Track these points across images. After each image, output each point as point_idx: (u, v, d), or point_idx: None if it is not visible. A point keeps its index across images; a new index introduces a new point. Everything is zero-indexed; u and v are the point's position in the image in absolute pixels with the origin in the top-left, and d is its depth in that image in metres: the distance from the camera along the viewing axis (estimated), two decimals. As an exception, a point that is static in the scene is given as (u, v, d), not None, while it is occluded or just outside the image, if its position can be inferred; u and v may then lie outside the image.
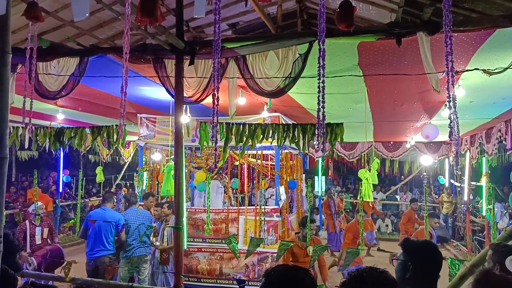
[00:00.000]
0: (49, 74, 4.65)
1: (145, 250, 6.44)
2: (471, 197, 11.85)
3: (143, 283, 6.31)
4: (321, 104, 2.02)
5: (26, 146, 5.63)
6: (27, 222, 6.59)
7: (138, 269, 6.30)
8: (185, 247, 4.35)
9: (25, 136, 5.57)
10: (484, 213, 9.83)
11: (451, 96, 1.95)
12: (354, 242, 7.49)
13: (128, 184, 15.72)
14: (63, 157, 12.19)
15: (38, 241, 6.41)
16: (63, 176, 12.39)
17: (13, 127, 5.88)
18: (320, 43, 1.97)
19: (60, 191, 12.62)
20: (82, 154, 14.10)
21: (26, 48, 3.22)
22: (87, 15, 2.22)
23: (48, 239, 6.64)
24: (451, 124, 1.96)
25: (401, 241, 2.35)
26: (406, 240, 2.32)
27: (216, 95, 2.27)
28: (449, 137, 1.98)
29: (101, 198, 6.27)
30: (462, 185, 11.96)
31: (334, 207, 10.93)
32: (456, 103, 1.97)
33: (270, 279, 1.67)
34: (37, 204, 6.28)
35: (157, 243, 6.48)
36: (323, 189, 14.70)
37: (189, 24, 6.29)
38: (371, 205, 10.69)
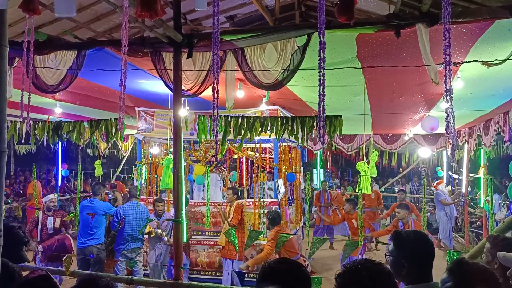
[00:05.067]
0: (46, 67, 4.62)
1: (139, 243, 6.60)
2: (469, 188, 11.90)
3: (139, 274, 6.42)
4: (322, 97, 2.01)
5: (23, 140, 5.63)
6: (40, 212, 6.64)
7: (132, 262, 6.42)
8: (185, 240, 4.37)
9: (23, 130, 5.57)
10: (482, 205, 9.89)
11: (448, 90, 1.95)
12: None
13: (126, 178, 15.73)
14: (61, 151, 12.19)
15: (50, 230, 6.46)
16: (61, 170, 12.39)
17: (11, 121, 5.87)
18: (320, 35, 1.96)
19: (59, 185, 12.63)
20: (80, 148, 14.08)
21: (23, 42, 3.20)
22: (74, 14, 2.17)
23: (62, 229, 6.68)
24: (448, 118, 1.95)
25: (392, 235, 2.29)
26: (397, 234, 2.26)
27: (216, 88, 2.26)
28: (446, 131, 1.98)
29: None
30: (460, 177, 12.00)
31: (326, 199, 10.91)
32: (452, 97, 1.97)
33: (263, 273, 1.71)
34: (36, 198, 6.30)
35: (166, 238, 6.51)
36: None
37: (187, 16, 6.25)
38: (374, 197, 10.61)
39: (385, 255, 2.25)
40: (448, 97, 1.97)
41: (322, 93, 2.02)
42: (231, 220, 6.56)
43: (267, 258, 5.47)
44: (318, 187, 13.95)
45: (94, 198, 6.52)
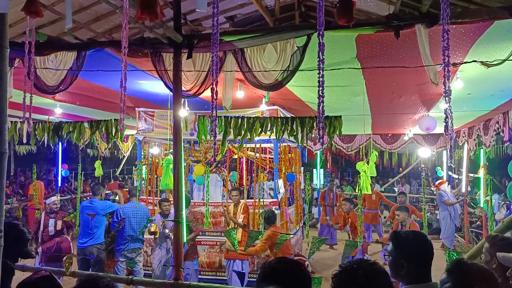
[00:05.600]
0: (47, 68, 4.63)
1: (140, 243, 6.62)
2: (469, 188, 11.89)
3: (139, 275, 6.43)
4: (321, 99, 2.02)
5: (25, 140, 5.64)
6: (43, 213, 6.65)
7: (133, 262, 6.43)
8: (185, 240, 4.37)
9: (24, 130, 5.57)
10: (481, 205, 9.88)
11: (447, 91, 1.96)
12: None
13: (126, 178, 15.73)
14: (61, 151, 12.19)
15: (51, 232, 6.47)
16: (61, 171, 12.40)
17: (11, 122, 5.88)
18: (320, 37, 1.97)
19: (59, 185, 12.63)
20: (80, 148, 14.10)
21: (24, 43, 3.21)
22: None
23: (64, 231, 6.67)
24: (446, 120, 1.96)
25: (391, 236, 2.29)
26: (396, 234, 2.27)
27: (215, 90, 2.27)
28: (444, 131, 1.99)
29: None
30: (460, 176, 12.00)
31: (331, 199, 10.85)
32: (451, 98, 1.98)
33: (264, 272, 1.73)
34: (36, 198, 6.31)
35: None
36: (322, 182, 14.72)
37: (187, 17, 6.26)
38: (373, 198, 10.59)
39: (384, 255, 2.26)
40: (446, 99, 1.98)
41: (321, 94, 2.03)
42: (242, 221, 6.54)
43: (257, 254, 5.51)
44: (318, 187, 13.97)
45: (94, 198, 6.54)
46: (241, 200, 6.87)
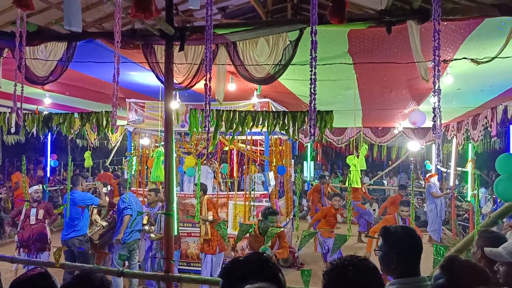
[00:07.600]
0: (36, 59, 4.57)
1: (139, 234, 6.59)
2: (457, 182, 12.05)
3: (135, 268, 6.40)
4: (313, 96, 2.03)
5: (13, 131, 5.58)
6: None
7: (131, 254, 6.40)
8: (176, 233, 4.39)
9: (12, 121, 5.51)
10: (469, 198, 10.03)
11: (436, 91, 1.98)
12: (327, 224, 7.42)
13: (116, 169, 15.62)
14: (50, 141, 12.07)
15: (32, 221, 6.39)
16: (50, 161, 12.28)
17: (0, 112, 5.81)
18: (312, 35, 1.98)
19: (48, 175, 12.52)
20: (70, 138, 13.96)
21: (13, 33, 3.16)
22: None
23: (46, 221, 6.60)
24: (435, 118, 1.99)
25: (381, 231, 2.34)
26: (386, 229, 2.31)
27: (209, 85, 2.26)
28: (432, 131, 2.02)
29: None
30: (448, 170, 12.15)
31: (325, 192, 10.92)
32: (440, 97, 2.00)
33: (232, 267, 1.75)
34: (26, 190, 6.24)
35: (152, 235, 6.44)
36: (312, 174, 14.79)
37: (178, 7, 6.20)
38: (363, 190, 10.78)
39: (374, 250, 2.30)
40: (436, 97, 2.01)
41: (313, 91, 2.04)
42: (213, 217, 6.26)
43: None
44: (308, 179, 14.04)
45: (74, 190, 6.37)
46: (206, 196, 6.55)
